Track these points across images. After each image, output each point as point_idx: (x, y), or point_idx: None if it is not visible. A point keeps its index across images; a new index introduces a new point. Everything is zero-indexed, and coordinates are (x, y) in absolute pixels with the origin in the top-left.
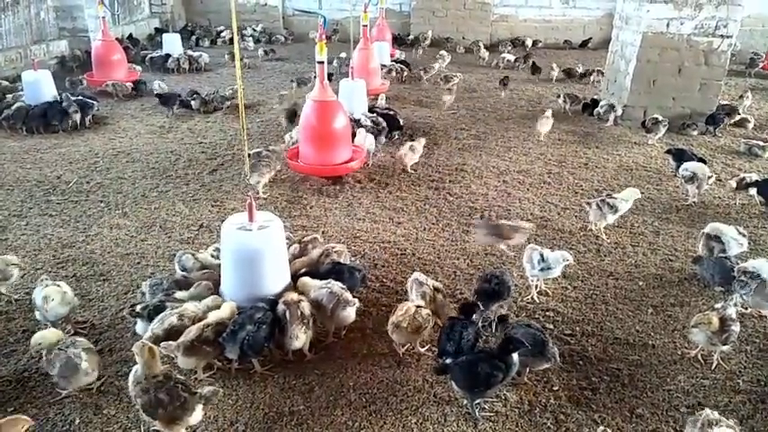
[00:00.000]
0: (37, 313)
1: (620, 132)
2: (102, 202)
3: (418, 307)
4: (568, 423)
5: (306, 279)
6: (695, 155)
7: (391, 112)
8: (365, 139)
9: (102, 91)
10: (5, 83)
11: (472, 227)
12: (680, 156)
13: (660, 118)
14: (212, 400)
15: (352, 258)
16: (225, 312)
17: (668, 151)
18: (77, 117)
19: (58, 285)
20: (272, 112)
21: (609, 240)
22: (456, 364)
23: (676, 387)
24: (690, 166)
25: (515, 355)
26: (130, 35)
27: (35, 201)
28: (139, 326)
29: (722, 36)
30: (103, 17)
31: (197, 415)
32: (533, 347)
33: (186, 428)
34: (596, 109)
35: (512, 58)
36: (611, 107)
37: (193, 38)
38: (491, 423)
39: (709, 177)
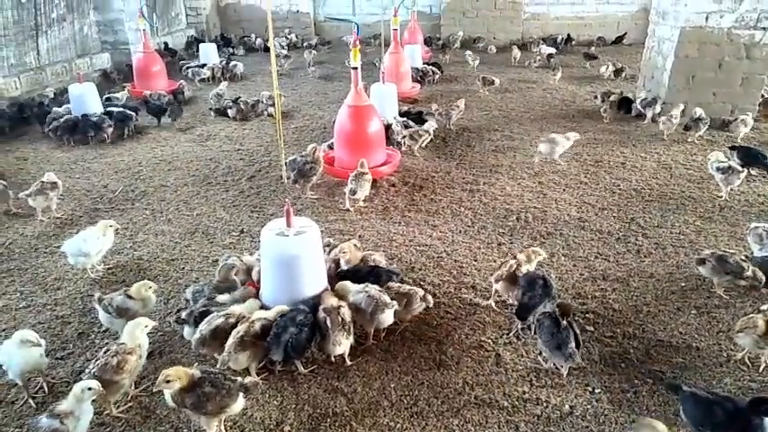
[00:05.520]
0: (114, 320)
1: (658, 130)
2: (146, 209)
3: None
4: (610, 426)
5: (345, 283)
6: (763, 154)
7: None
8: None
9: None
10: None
11: None
12: (746, 154)
13: (702, 115)
14: (252, 391)
15: (389, 261)
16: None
17: (732, 148)
18: (110, 131)
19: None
20: (307, 119)
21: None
22: (692, 395)
23: (723, 390)
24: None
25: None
26: (166, 45)
27: (84, 209)
28: (186, 331)
29: (764, 28)
30: (144, 30)
31: (240, 403)
32: (551, 342)
33: (227, 420)
34: (634, 104)
35: (552, 51)
36: (653, 101)
37: (230, 48)
38: (531, 425)
39: (740, 173)
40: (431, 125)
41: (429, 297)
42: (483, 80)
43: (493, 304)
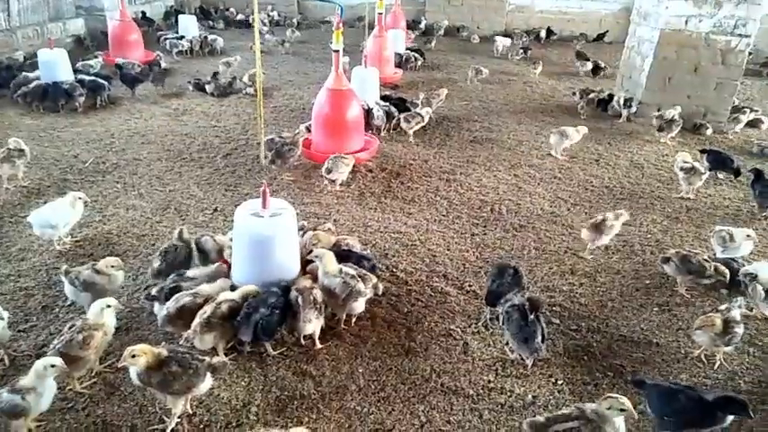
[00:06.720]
0: (80, 294)
1: (633, 129)
2: (118, 182)
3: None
4: None
5: (331, 254)
6: (731, 159)
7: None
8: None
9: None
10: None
11: None
12: (715, 158)
13: (675, 117)
14: (220, 371)
15: (363, 247)
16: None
17: (703, 151)
18: (81, 100)
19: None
20: (286, 98)
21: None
22: (655, 386)
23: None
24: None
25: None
26: (144, 14)
27: (52, 179)
28: (156, 307)
29: (740, 35)
30: None
31: (207, 383)
32: (518, 335)
33: (193, 399)
34: (611, 103)
35: (507, 43)
36: (629, 100)
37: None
38: (495, 413)
39: (702, 174)
40: (428, 111)
41: (380, 285)
42: (475, 70)
43: (588, 256)
